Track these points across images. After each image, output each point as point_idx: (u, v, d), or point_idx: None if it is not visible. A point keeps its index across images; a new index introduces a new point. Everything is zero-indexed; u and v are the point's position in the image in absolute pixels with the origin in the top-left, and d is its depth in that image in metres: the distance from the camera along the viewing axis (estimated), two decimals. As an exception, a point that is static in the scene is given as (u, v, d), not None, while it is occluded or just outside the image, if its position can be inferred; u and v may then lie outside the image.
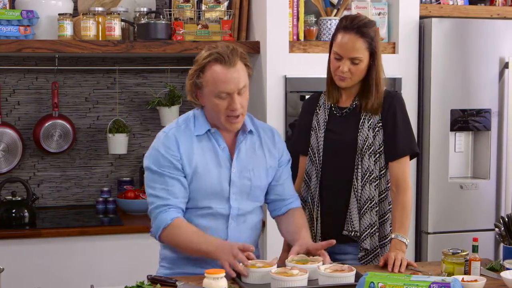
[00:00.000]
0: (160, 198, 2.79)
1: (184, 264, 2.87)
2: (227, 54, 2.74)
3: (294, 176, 3.24)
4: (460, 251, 2.79)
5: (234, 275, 2.62)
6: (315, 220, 3.08)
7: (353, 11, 4.26)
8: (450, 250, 2.80)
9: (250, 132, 2.92)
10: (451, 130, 4.31)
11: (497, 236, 3.17)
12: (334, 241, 2.80)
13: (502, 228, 3.09)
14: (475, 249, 2.79)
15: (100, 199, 4.51)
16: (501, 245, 3.15)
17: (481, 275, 2.73)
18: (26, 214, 4.11)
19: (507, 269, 2.72)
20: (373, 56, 2.99)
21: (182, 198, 2.80)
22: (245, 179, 2.87)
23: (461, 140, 4.44)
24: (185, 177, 2.81)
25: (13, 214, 4.08)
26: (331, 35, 3.11)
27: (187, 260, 2.86)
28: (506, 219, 3.09)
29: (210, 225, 2.84)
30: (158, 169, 2.80)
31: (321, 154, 3.08)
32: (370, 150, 3.00)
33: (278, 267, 2.66)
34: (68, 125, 4.47)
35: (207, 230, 2.82)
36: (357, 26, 2.96)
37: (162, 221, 2.76)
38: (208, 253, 2.72)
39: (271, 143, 2.98)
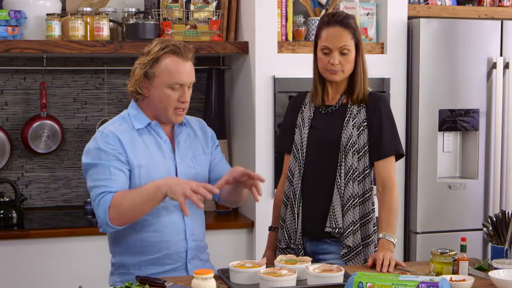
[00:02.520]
0: (102, 186, 2.76)
1: (145, 266, 2.88)
2: (182, 47, 2.85)
3: (279, 174, 3.26)
4: (448, 250, 2.80)
5: (188, 212, 2.63)
6: (296, 215, 3.09)
7: (342, 12, 4.27)
8: (439, 250, 2.81)
9: (185, 124, 3.00)
10: (440, 130, 4.33)
11: (485, 235, 3.18)
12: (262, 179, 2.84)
13: (490, 228, 3.10)
14: (463, 248, 2.80)
15: (89, 199, 4.47)
16: (489, 244, 3.16)
17: (469, 274, 2.74)
18: (14, 215, 4.09)
19: (495, 268, 2.72)
20: (358, 47, 3.05)
21: (125, 188, 2.79)
22: (189, 168, 2.94)
23: (450, 140, 4.45)
24: (129, 170, 2.81)
25: (1, 215, 4.06)
26: (314, 36, 3.13)
27: (147, 262, 2.87)
28: (494, 219, 3.10)
29: (168, 220, 2.86)
30: (99, 161, 2.79)
31: (304, 150, 3.10)
32: (354, 148, 3.02)
33: (267, 267, 2.67)
34: (56, 126, 4.45)
35: (166, 226, 2.84)
36: (339, 19, 3.03)
37: (106, 202, 2.72)
38: (158, 189, 2.67)
39: (202, 131, 3.07)
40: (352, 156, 3.02)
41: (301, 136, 3.12)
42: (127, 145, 2.82)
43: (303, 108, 3.17)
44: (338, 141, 3.03)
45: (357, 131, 3.03)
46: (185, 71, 2.84)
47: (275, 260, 2.76)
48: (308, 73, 3.22)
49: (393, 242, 2.94)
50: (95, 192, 2.78)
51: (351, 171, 3.01)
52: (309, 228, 3.08)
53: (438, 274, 2.73)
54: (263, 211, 4.07)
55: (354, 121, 3.04)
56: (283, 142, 3.25)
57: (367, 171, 3.05)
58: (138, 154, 2.83)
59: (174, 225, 2.86)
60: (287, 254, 2.96)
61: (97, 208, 2.76)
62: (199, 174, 2.96)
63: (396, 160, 3.11)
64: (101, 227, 2.79)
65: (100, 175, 2.78)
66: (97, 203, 2.76)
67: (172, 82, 2.82)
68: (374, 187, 3.09)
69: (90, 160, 2.82)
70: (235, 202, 3.16)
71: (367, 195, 3.06)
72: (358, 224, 3.02)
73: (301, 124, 3.14)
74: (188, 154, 2.95)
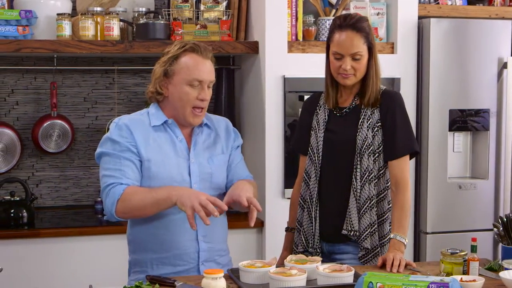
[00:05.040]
0: (113, 177, 2.78)
1: (157, 265, 2.88)
2: (202, 46, 2.87)
3: (289, 174, 3.25)
4: (458, 251, 2.79)
5: (195, 227, 2.61)
6: (313, 219, 3.08)
7: (352, 11, 4.26)
8: (449, 250, 2.80)
9: (206, 125, 2.98)
10: (450, 130, 4.32)
11: (495, 236, 3.17)
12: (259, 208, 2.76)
13: (501, 228, 3.09)
14: (473, 249, 2.79)
15: (99, 199, 4.50)
16: (500, 245, 3.14)
17: (479, 275, 2.73)
18: (25, 214, 4.11)
19: (506, 269, 2.72)
20: (371, 50, 3.02)
21: (135, 181, 2.81)
22: (205, 168, 2.91)
23: (460, 140, 4.44)
24: (140, 161, 2.83)
25: (12, 214, 4.08)
26: (326, 38, 3.12)
27: (158, 261, 2.88)
28: (505, 219, 3.09)
29: (178, 219, 2.84)
30: (112, 151, 2.82)
31: (320, 153, 3.09)
32: (369, 150, 3.01)
33: (277, 267, 2.66)
34: (66, 125, 4.47)
35: (176, 225, 2.83)
36: (351, 23, 3.00)
37: (116, 194, 2.74)
38: (168, 197, 2.68)
39: (225, 132, 3.05)
40: (368, 158, 3.01)
41: (316, 139, 3.11)
42: (138, 139, 2.84)
43: (318, 110, 3.16)
44: (353, 144, 3.02)
45: (372, 132, 3.02)
46: (204, 68, 2.85)
47: (285, 260, 2.76)
48: (318, 73, 3.22)
49: (404, 243, 2.92)
50: (105, 182, 2.80)
51: (367, 173, 3.00)
52: (326, 230, 3.07)
53: (448, 274, 2.73)
54: (273, 211, 4.07)
55: (369, 122, 3.02)
56: (298, 144, 3.24)
57: (382, 171, 3.04)
58: (150, 149, 2.84)
59: (184, 224, 2.83)
60: (297, 254, 2.96)
61: (106, 198, 2.78)
62: (215, 174, 2.94)
63: (411, 158, 3.10)
64: (105, 215, 2.83)
65: (111, 164, 2.81)
66: (106, 193, 2.78)
67: (191, 79, 2.82)
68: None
69: (103, 150, 2.86)
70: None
71: (383, 194, 3.04)
72: (376, 225, 3.02)
73: (317, 127, 3.13)
74: (204, 155, 2.93)
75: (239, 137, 3.11)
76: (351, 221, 3.00)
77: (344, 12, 4.27)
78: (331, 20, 4.18)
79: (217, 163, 2.96)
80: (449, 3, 4.51)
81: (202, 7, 4.36)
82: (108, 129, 4.34)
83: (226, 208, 2.68)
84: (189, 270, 2.87)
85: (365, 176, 3.00)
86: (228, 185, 3.02)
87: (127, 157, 2.81)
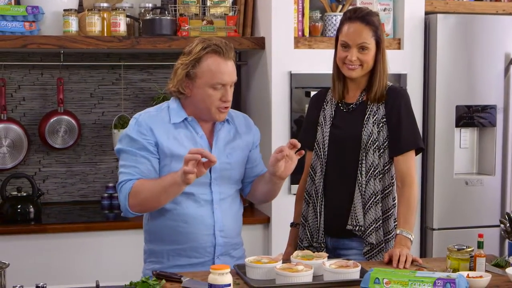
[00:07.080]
0: (128, 174, 2.82)
1: (172, 256, 2.91)
2: (224, 46, 2.84)
3: (300, 171, 3.25)
4: (465, 247, 2.79)
5: (194, 171, 2.61)
6: (318, 214, 3.08)
7: (358, 7, 4.26)
8: (455, 246, 2.80)
9: (227, 120, 3.00)
10: (456, 126, 4.31)
11: (502, 232, 3.16)
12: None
13: (507, 224, 3.08)
14: (480, 245, 2.78)
15: (105, 194, 4.51)
16: (506, 241, 3.14)
17: (486, 271, 2.73)
18: (32, 209, 4.12)
19: (512, 265, 2.72)
20: (379, 45, 3.03)
21: (149, 177, 2.83)
22: (225, 164, 2.93)
23: (466, 136, 4.43)
24: (158, 159, 2.85)
25: (19, 210, 4.09)
26: (336, 30, 3.12)
27: (175, 252, 2.90)
28: (511, 215, 3.09)
29: (197, 213, 2.87)
30: (129, 148, 2.84)
31: (326, 149, 3.09)
32: (375, 145, 3.01)
33: (283, 262, 2.67)
34: (73, 121, 4.47)
35: (195, 219, 2.86)
36: (361, 15, 3.01)
37: (126, 189, 2.78)
38: (173, 178, 2.70)
39: (245, 128, 3.07)
40: (373, 154, 3.01)
41: (322, 135, 3.11)
42: (159, 135, 2.85)
43: (324, 105, 3.16)
44: (359, 139, 3.02)
45: (377, 127, 3.02)
46: (227, 70, 2.84)
47: (291, 256, 2.76)
48: (325, 69, 3.21)
49: (410, 239, 2.92)
50: (119, 179, 2.84)
51: (372, 169, 3.00)
52: (331, 225, 3.08)
53: (455, 270, 2.72)
54: (279, 206, 4.07)
55: (374, 118, 3.03)
56: (305, 139, 3.23)
57: (387, 166, 3.04)
58: (171, 145, 2.86)
59: (203, 219, 2.87)
60: (303, 250, 2.96)
61: (119, 194, 2.83)
62: (234, 170, 2.97)
63: (417, 154, 3.09)
64: (122, 212, 2.85)
65: (126, 161, 2.84)
66: (119, 189, 2.83)
67: (214, 82, 2.82)
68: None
69: (120, 146, 2.88)
70: (271, 197, 3.15)
71: (388, 190, 3.04)
72: (381, 221, 3.02)
73: (323, 122, 3.13)
74: (225, 151, 2.95)
75: (259, 134, 3.13)
76: (356, 216, 3.00)
77: (350, 7, 4.27)
78: (338, 16, 4.21)
79: (236, 158, 2.98)
80: (456, -1, 4.51)
81: (208, 3, 4.36)
82: (115, 125, 4.41)
83: (214, 159, 2.65)
84: (204, 263, 2.89)
85: (370, 171, 3.00)
86: (246, 180, 3.07)
87: (143, 155, 2.83)
